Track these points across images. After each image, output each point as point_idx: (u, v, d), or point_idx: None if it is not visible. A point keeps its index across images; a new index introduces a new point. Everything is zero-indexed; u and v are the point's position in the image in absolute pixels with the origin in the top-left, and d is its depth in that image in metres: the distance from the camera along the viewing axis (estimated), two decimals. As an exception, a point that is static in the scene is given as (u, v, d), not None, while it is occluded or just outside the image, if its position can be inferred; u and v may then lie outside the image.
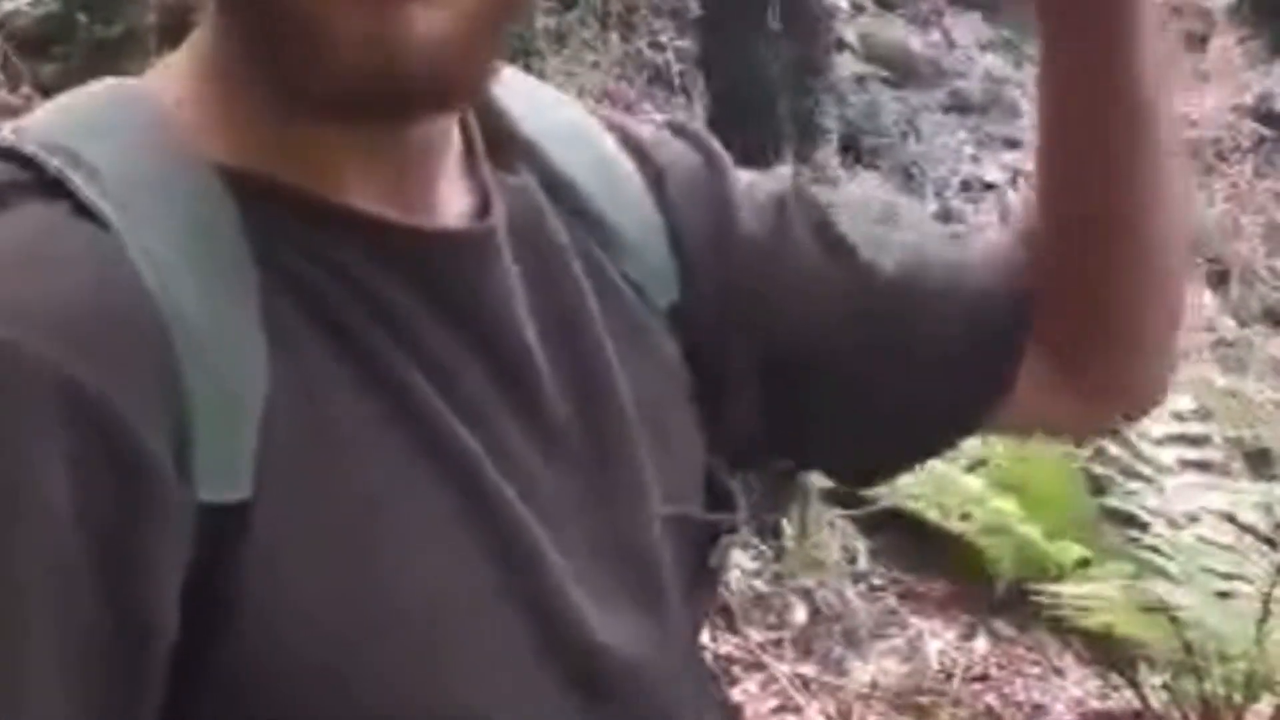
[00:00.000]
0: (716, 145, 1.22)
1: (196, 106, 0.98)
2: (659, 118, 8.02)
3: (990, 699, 5.08)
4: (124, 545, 0.88)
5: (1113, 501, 5.22)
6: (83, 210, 0.92)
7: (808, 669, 4.97)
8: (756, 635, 4.84)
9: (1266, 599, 4.58)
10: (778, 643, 4.94)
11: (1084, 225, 1.17)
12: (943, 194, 8.21)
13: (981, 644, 5.32)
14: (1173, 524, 4.96)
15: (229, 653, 0.90)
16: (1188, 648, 4.59)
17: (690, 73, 7.78)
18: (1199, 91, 9.35)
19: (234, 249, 0.94)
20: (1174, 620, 4.56)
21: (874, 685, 5.02)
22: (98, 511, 0.87)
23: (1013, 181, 8.42)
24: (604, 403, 1.07)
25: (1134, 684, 4.88)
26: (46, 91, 5.82)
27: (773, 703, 4.77)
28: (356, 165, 0.99)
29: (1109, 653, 4.88)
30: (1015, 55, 9.26)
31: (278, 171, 0.97)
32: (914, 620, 5.39)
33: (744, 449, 1.18)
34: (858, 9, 8.87)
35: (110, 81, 1.03)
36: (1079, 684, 5.15)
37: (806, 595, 5.09)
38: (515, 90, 1.11)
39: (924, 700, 5.01)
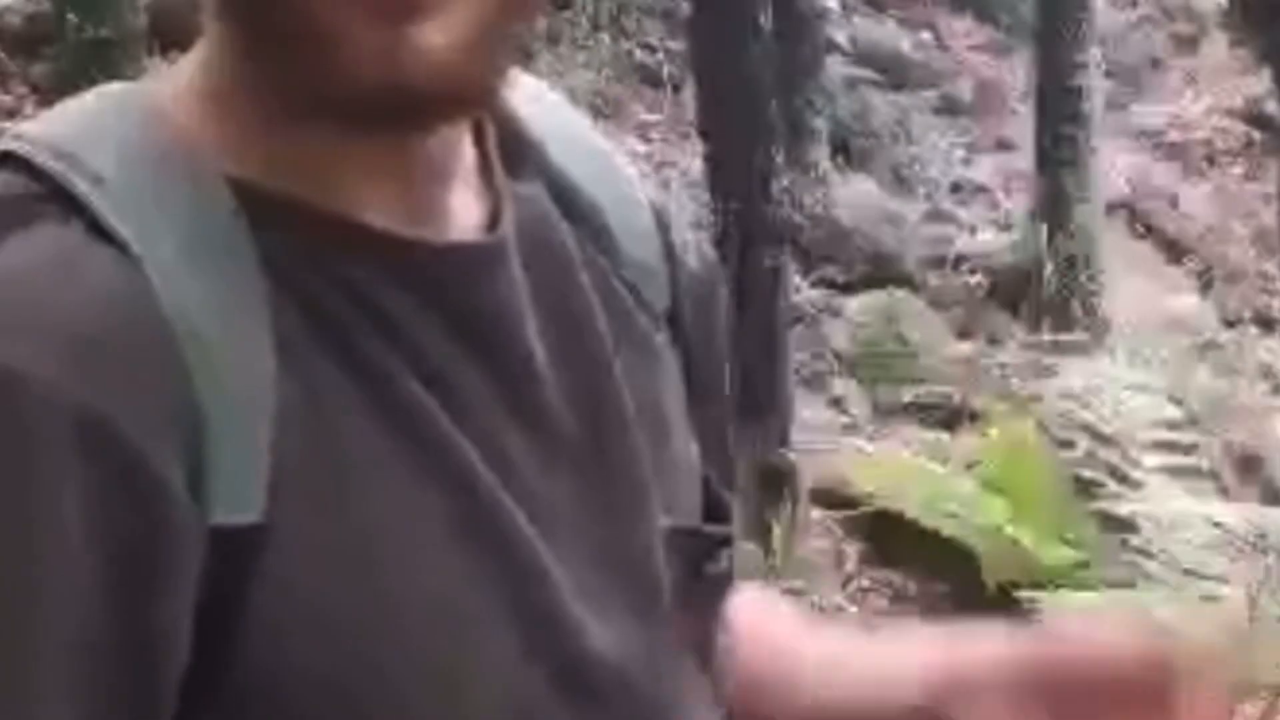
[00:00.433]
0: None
1: (203, 117, 0.98)
2: (650, 119, 8.04)
3: (978, 701, 5.08)
4: (137, 572, 0.88)
5: (1101, 505, 5.23)
6: (98, 229, 0.91)
7: (796, 671, 4.97)
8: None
9: (1253, 603, 4.59)
10: (766, 645, 4.94)
11: None
12: (933, 195, 8.22)
13: (969, 646, 5.33)
14: (1160, 527, 4.97)
15: (237, 671, 0.90)
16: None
17: (681, 74, 7.79)
18: (1190, 94, 9.37)
19: (245, 264, 0.93)
20: (1160, 624, 4.57)
21: (862, 687, 5.02)
22: (112, 540, 0.87)
23: (1004, 184, 8.44)
24: (608, 415, 1.07)
25: (1121, 687, 4.88)
26: (37, 91, 5.83)
27: (761, 704, 4.78)
28: (365, 177, 0.99)
29: (1096, 656, 4.88)
30: (1007, 57, 9.28)
31: (285, 183, 0.96)
32: (902, 621, 5.41)
33: None
34: (848, 11, 8.88)
35: (113, 89, 1.02)
36: (1066, 686, 5.15)
37: (795, 596, 5.10)
38: (523, 94, 1.11)
39: (912, 702, 5.02)
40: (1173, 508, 5.08)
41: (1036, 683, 1.12)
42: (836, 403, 6.45)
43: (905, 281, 7.35)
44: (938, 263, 7.60)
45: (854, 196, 7.69)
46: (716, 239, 5.35)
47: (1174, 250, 8.29)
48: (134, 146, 0.95)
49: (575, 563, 1.02)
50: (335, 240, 0.97)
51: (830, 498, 5.57)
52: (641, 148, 7.58)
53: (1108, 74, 8.49)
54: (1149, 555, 4.92)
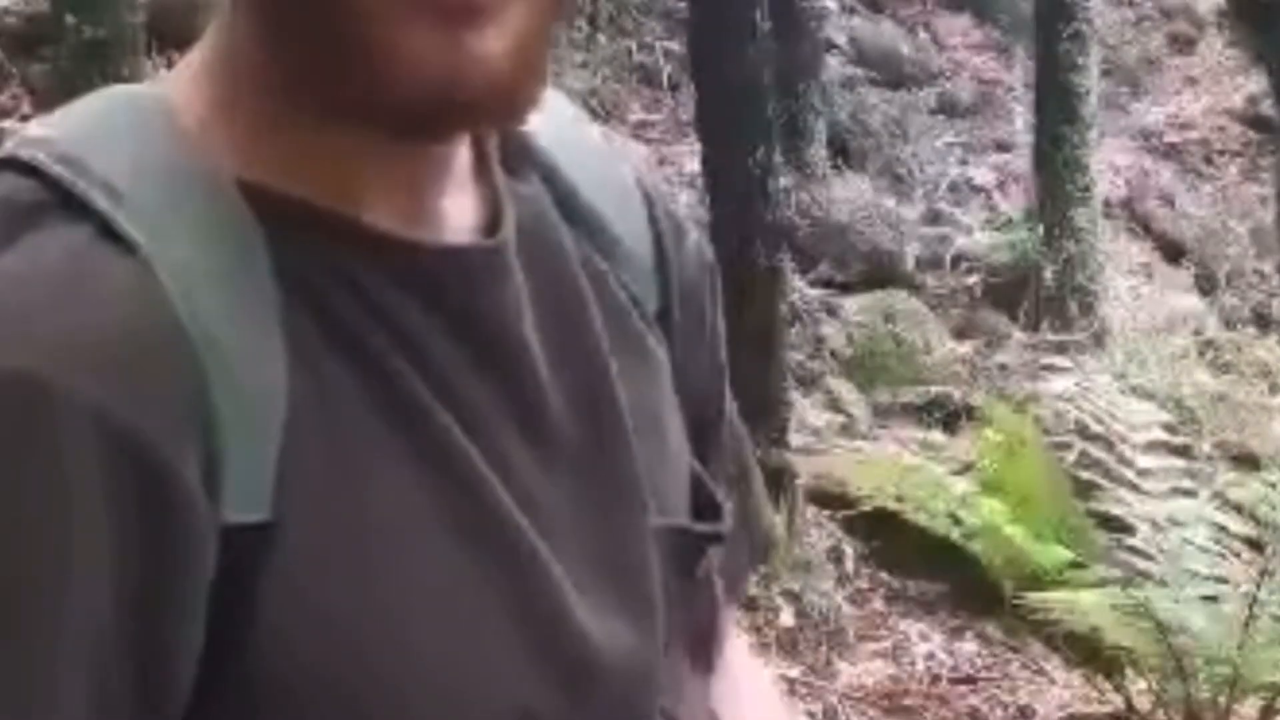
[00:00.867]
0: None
1: (213, 118, 0.98)
2: (648, 119, 8.03)
3: (977, 701, 5.09)
4: (158, 577, 0.89)
5: (1099, 505, 5.23)
6: (108, 231, 0.91)
7: (794, 671, 4.98)
8: (743, 637, 4.85)
9: (1251, 602, 4.59)
10: (764, 644, 4.95)
11: None
12: (931, 195, 8.22)
13: (968, 646, 5.34)
14: (1158, 527, 4.98)
15: (244, 667, 0.91)
16: (1173, 651, 4.60)
17: (679, 74, 7.79)
18: (1188, 94, 9.37)
19: (257, 265, 0.94)
20: (1159, 624, 4.57)
21: (860, 688, 5.03)
22: (133, 545, 0.88)
23: (1002, 184, 8.44)
24: (605, 417, 1.08)
25: (1119, 687, 4.89)
26: (35, 92, 5.83)
27: (759, 705, 4.78)
28: (372, 179, 0.99)
29: (1095, 656, 4.89)
30: (1004, 57, 9.29)
31: (294, 186, 0.97)
32: (901, 623, 5.40)
33: None
34: (847, 11, 8.88)
35: (118, 90, 1.02)
36: (1065, 686, 5.16)
37: (793, 597, 5.10)
38: None
39: (911, 703, 5.03)
40: (1170, 507, 5.08)
41: None
42: (834, 403, 6.45)
43: (903, 281, 7.36)
44: (936, 263, 7.60)
45: (852, 196, 7.69)
46: (714, 239, 5.36)
47: (1172, 250, 8.30)
48: (143, 149, 0.96)
49: (574, 563, 1.02)
50: (343, 242, 0.98)
51: (828, 498, 5.57)
52: (639, 148, 7.58)
53: (1106, 74, 8.50)
54: (1147, 555, 4.92)
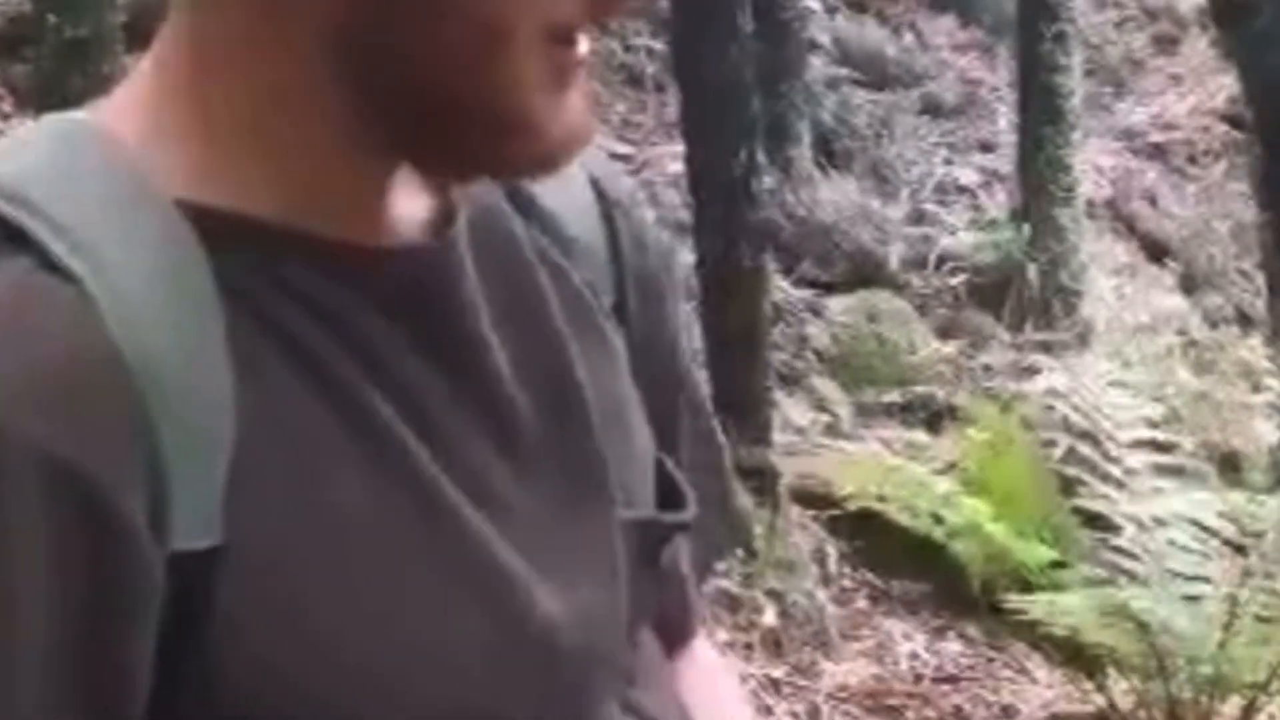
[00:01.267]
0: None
1: (155, 139, 0.97)
2: (633, 119, 8.03)
3: (960, 700, 5.09)
4: (102, 615, 0.89)
5: (1083, 504, 5.24)
6: (47, 262, 0.91)
7: (777, 671, 4.98)
8: (726, 636, 4.85)
9: (1233, 602, 4.60)
10: (747, 644, 4.95)
11: None
12: (916, 196, 8.22)
13: (952, 646, 5.34)
14: (1141, 527, 4.98)
15: (205, 682, 0.91)
16: (1155, 651, 4.61)
17: (664, 74, 7.79)
18: (1172, 94, 9.38)
19: (200, 287, 0.93)
20: (1141, 623, 4.58)
21: (844, 687, 5.03)
22: (75, 582, 0.88)
23: (986, 184, 8.45)
24: (570, 409, 1.08)
25: (1102, 686, 4.90)
26: (17, 91, 5.82)
27: (742, 705, 4.78)
28: (343, 193, 0.99)
29: (1078, 655, 4.90)
30: (989, 58, 9.29)
31: (235, 202, 0.96)
32: (884, 622, 5.41)
33: None
34: (831, 11, 8.88)
35: (54, 119, 1.01)
36: (1048, 686, 5.17)
37: (776, 597, 5.10)
38: None
39: (894, 702, 5.03)
40: (1154, 506, 5.09)
41: None
42: (818, 403, 6.45)
43: (887, 281, 7.35)
44: (920, 263, 7.60)
45: (836, 196, 7.69)
46: (698, 239, 5.36)
47: (1156, 250, 8.30)
48: (82, 178, 0.95)
49: (540, 560, 1.02)
50: (290, 252, 0.97)
51: (812, 497, 5.57)
52: (624, 149, 7.58)
53: (1089, 74, 8.51)
54: (1131, 554, 4.93)
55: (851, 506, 5.42)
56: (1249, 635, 4.60)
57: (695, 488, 1.17)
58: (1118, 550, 4.93)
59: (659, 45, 7.89)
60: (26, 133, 1.00)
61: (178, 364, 0.91)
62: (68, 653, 0.88)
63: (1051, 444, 5.68)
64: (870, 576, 5.56)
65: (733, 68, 5.30)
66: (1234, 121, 8.84)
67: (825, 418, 6.37)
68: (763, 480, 5.05)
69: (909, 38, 9.23)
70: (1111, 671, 4.86)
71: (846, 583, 5.52)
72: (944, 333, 7.23)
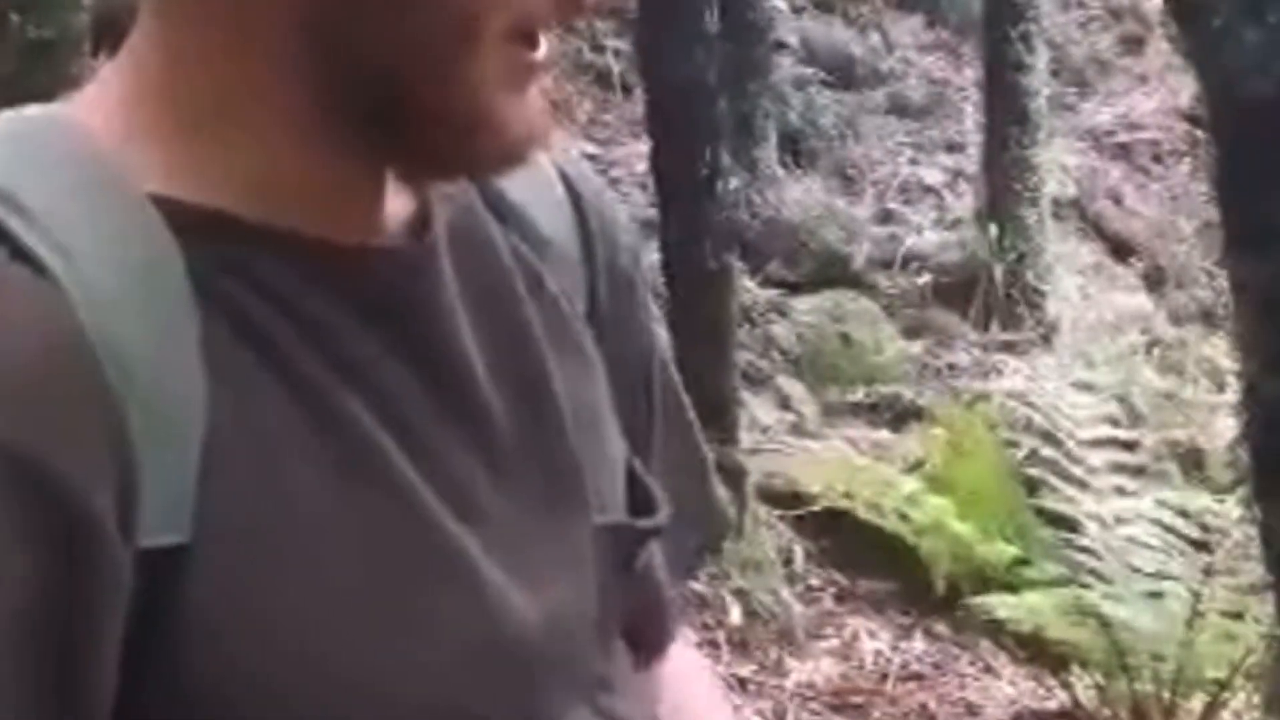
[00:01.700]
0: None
1: (128, 137, 0.97)
2: (599, 119, 8.03)
3: (926, 698, 5.11)
4: (68, 615, 0.88)
5: (1047, 503, 5.26)
6: (20, 254, 0.90)
7: (744, 670, 4.99)
8: (692, 635, 4.86)
9: (1195, 599, 4.63)
10: (713, 643, 4.96)
11: None
12: (882, 196, 8.25)
13: (917, 644, 5.36)
14: (1104, 525, 5.01)
15: (173, 679, 0.91)
16: (1118, 647, 4.63)
17: (630, 74, 7.79)
18: (1137, 94, 9.42)
19: (173, 281, 0.93)
20: (1105, 621, 4.60)
21: (810, 686, 5.04)
22: (43, 578, 0.87)
23: (952, 184, 8.47)
24: (546, 417, 1.08)
25: (1066, 684, 4.92)
26: (-18, 91, 5.80)
27: (709, 703, 4.78)
28: (326, 193, 0.99)
29: (1042, 653, 4.92)
30: (955, 58, 9.32)
31: (213, 198, 0.97)
32: (850, 621, 5.42)
33: None
34: (797, 11, 8.90)
35: (29, 112, 1.00)
36: (1012, 683, 5.19)
37: (742, 596, 5.11)
38: None
39: (860, 700, 5.04)
40: (1117, 505, 5.12)
41: None
42: (784, 402, 6.46)
43: (853, 281, 7.37)
44: (886, 263, 7.62)
45: (802, 196, 7.71)
46: (663, 239, 5.37)
47: (1121, 249, 8.34)
48: (53, 168, 0.94)
49: (514, 564, 1.02)
50: (265, 251, 0.97)
51: (778, 497, 5.59)
52: (591, 148, 7.59)
53: (1055, 74, 8.54)
54: (1094, 553, 4.95)
55: (818, 506, 5.44)
56: (1212, 632, 4.62)
57: (673, 489, 1.17)
58: (1081, 549, 4.95)
59: (626, 45, 7.90)
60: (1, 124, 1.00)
61: (150, 357, 0.91)
62: (32, 651, 0.88)
63: (1015, 443, 5.70)
64: (836, 575, 5.58)
65: (699, 68, 5.30)
66: (1198, 121, 8.88)
67: (791, 417, 6.38)
68: (730, 479, 5.06)
69: (875, 38, 9.25)
70: (1076, 669, 4.88)
71: (813, 581, 5.53)
72: (910, 332, 7.25)
